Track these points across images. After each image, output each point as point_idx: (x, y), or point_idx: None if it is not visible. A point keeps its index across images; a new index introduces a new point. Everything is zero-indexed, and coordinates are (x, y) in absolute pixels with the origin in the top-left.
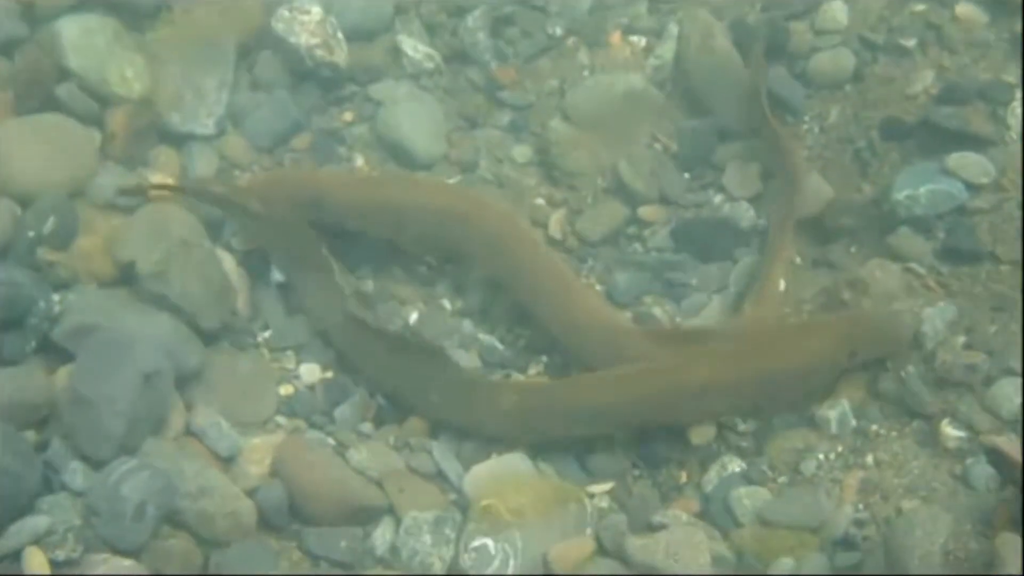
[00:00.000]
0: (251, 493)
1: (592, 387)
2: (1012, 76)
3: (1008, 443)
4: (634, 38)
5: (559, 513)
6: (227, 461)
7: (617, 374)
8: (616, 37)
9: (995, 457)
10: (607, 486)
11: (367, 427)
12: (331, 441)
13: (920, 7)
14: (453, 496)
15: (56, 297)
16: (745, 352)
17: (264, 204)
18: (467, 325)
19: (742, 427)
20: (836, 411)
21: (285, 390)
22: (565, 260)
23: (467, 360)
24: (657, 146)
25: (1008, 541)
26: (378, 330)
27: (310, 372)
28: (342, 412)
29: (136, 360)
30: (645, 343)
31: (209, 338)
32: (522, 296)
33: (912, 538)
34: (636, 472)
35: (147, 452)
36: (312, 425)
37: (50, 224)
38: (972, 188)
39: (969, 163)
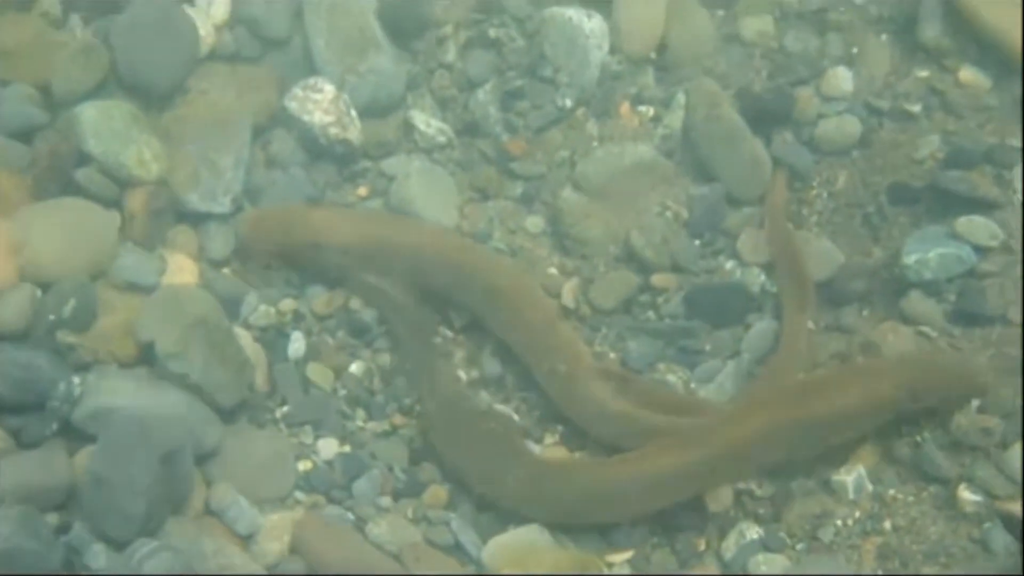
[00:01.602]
0: (271, 570)
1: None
2: (1016, 140)
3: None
4: (642, 108)
5: None
6: (246, 539)
7: (679, 441)
8: (625, 108)
9: (1010, 523)
10: (626, 555)
11: (385, 500)
12: (350, 516)
13: (924, 73)
14: (472, 568)
15: (76, 379)
16: (801, 396)
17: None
18: (483, 396)
19: (759, 492)
20: (853, 476)
21: (304, 465)
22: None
23: None
24: (668, 214)
25: None
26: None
27: (327, 447)
28: (360, 486)
29: (155, 440)
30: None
31: (228, 415)
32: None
33: None
34: (655, 540)
35: (168, 532)
36: (331, 500)
37: (70, 307)
38: (981, 251)
39: (977, 226)
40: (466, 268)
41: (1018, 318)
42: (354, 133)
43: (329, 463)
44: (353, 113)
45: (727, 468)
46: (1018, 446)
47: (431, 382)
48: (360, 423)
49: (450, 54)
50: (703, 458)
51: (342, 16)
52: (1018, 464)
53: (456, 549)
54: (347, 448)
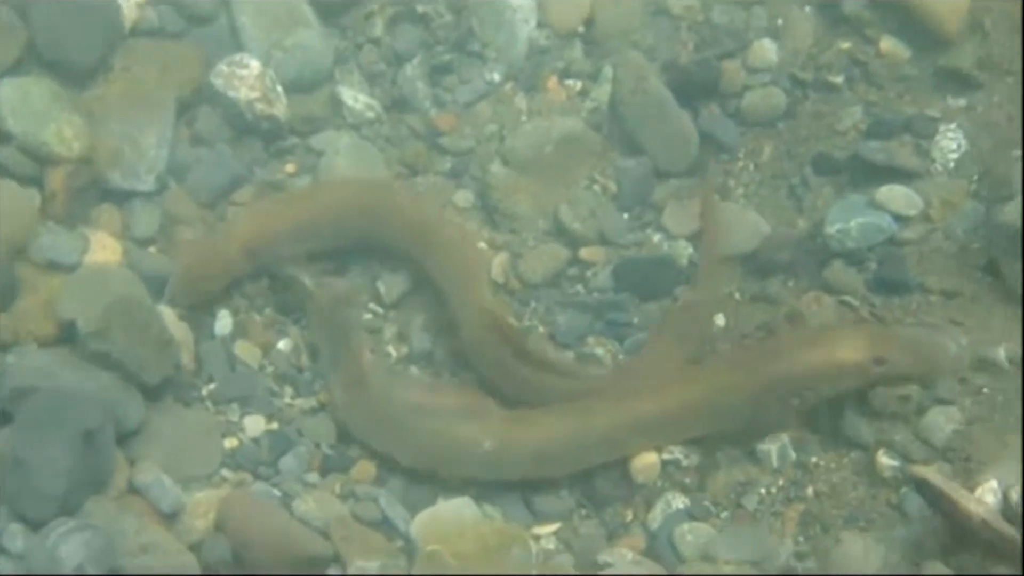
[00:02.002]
0: (195, 548)
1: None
2: (935, 110)
3: (934, 473)
4: (570, 82)
5: (504, 556)
6: (170, 517)
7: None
8: (552, 82)
9: (922, 487)
10: (553, 527)
11: (313, 476)
12: (277, 492)
13: (846, 44)
14: (400, 543)
15: None
16: (767, 354)
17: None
18: (413, 372)
19: (685, 462)
20: (776, 444)
21: (230, 443)
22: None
23: None
24: (596, 188)
25: (934, 570)
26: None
27: (254, 424)
28: (287, 463)
29: (75, 419)
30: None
31: (152, 394)
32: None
33: (845, 569)
34: (582, 512)
35: (88, 512)
36: (257, 477)
37: None
38: (900, 220)
39: (897, 196)
40: (393, 214)
41: (936, 286)
42: (280, 109)
43: (256, 440)
44: (279, 89)
45: (687, 424)
46: (934, 411)
47: (341, 370)
48: (288, 400)
49: (378, 29)
50: (661, 412)
51: None
52: (935, 428)
53: (384, 524)
54: (274, 425)
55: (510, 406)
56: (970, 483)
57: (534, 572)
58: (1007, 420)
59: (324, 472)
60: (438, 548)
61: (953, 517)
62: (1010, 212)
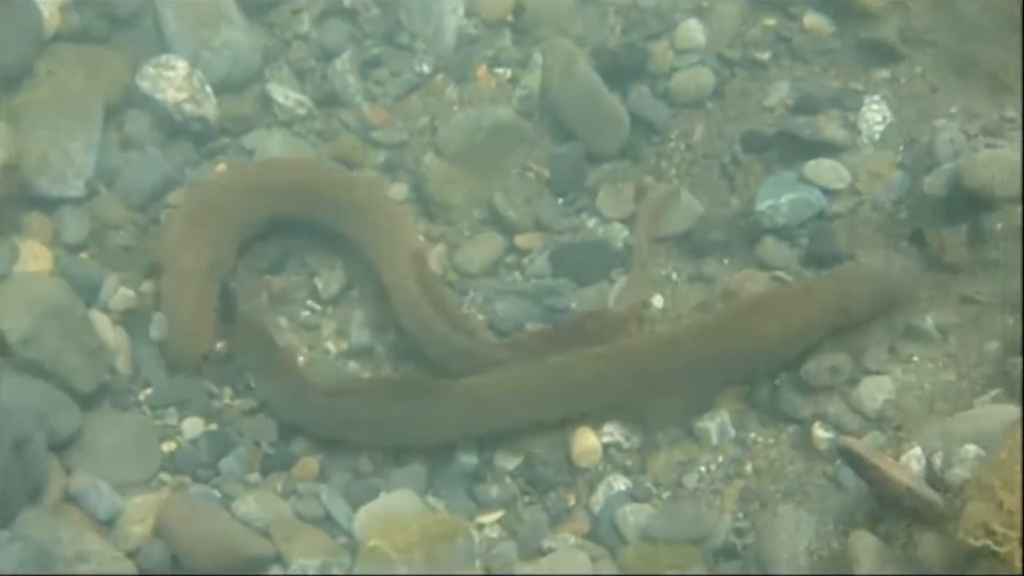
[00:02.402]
0: (133, 554)
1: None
2: (859, 83)
3: (859, 443)
4: (500, 70)
5: (447, 547)
6: (107, 524)
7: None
8: (482, 71)
9: (849, 457)
10: (497, 515)
11: (254, 476)
12: (217, 494)
13: (771, 21)
14: (343, 539)
15: None
16: (736, 318)
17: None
18: (352, 367)
19: (627, 445)
20: (716, 422)
21: (168, 447)
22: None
23: None
24: (530, 175)
25: (861, 538)
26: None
27: (193, 426)
28: (227, 464)
29: (5, 429)
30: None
31: (88, 401)
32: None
33: (779, 541)
34: (526, 499)
35: (22, 523)
36: (197, 479)
37: None
38: (829, 194)
39: (825, 170)
40: (323, 189)
41: (865, 258)
42: (210, 109)
43: (194, 443)
44: (208, 89)
45: (666, 380)
46: (866, 382)
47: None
48: (227, 401)
49: (305, 25)
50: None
51: None
52: (867, 399)
53: (327, 521)
54: (213, 426)
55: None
56: (901, 451)
57: (477, 561)
58: (936, 387)
59: (265, 471)
60: (379, 543)
61: (880, 485)
62: (932, 182)
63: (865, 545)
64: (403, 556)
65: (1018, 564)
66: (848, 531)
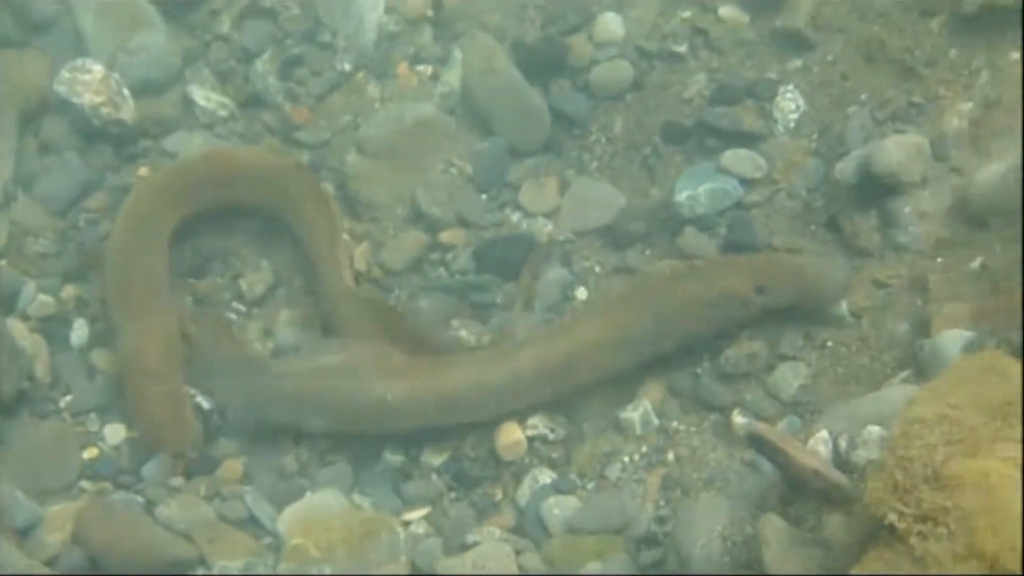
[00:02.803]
0: (51, 562)
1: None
2: (774, 72)
3: (766, 428)
4: (421, 67)
5: (371, 544)
6: (24, 532)
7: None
8: (403, 68)
9: (758, 442)
10: (423, 511)
11: (177, 481)
12: (139, 499)
13: (687, 13)
14: (268, 540)
15: None
16: (649, 289)
17: None
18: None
19: (552, 437)
20: (639, 412)
21: (89, 453)
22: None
23: None
24: (452, 171)
25: (769, 522)
26: None
27: (115, 432)
28: (149, 469)
29: None
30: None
31: (5, 409)
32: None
33: (694, 528)
34: (452, 494)
35: None
36: (118, 486)
37: None
38: (746, 183)
39: (742, 159)
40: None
41: (783, 245)
42: (128, 112)
43: (116, 448)
44: (126, 92)
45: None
46: (782, 367)
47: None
48: None
49: (225, 26)
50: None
51: None
52: (783, 384)
53: (251, 522)
54: (136, 432)
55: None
56: (810, 435)
57: (403, 557)
58: (849, 371)
59: (189, 475)
60: (302, 541)
61: (789, 469)
62: (843, 169)
63: (773, 528)
64: (326, 554)
65: (914, 540)
66: (760, 515)
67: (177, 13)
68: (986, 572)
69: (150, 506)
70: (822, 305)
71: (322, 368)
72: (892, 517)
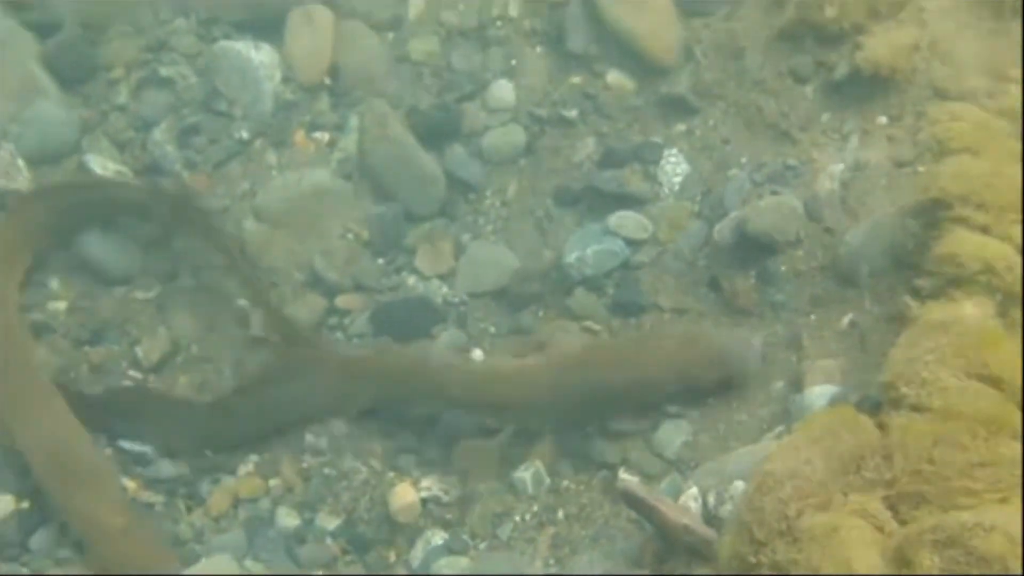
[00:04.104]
0: None
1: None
2: (660, 136)
3: (637, 485)
4: (317, 134)
5: None
6: None
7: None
8: (300, 136)
9: (630, 499)
10: None
11: (65, 552)
12: (25, 571)
13: (577, 79)
14: None
15: None
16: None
17: None
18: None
19: (446, 498)
20: (531, 472)
21: None
22: None
23: (174, 469)
24: (349, 236)
25: None
26: None
27: (4, 505)
28: (37, 540)
29: None
30: None
31: None
32: None
33: None
34: (347, 558)
35: None
36: (6, 559)
37: None
38: (633, 244)
39: (628, 221)
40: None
41: (668, 304)
42: (22, 182)
43: (4, 521)
44: (20, 162)
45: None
46: (666, 426)
47: None
48: None
49: (123, 96)
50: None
51: (1, 65)
52: (666, 443)
53: None
54: (25, 504)
55: None
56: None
57: None
58: (729, 427)
59: (78, 546)
60: None
61: (661, 526)
62: (722, 230)
63: None
64: None
65: None
66: (635, 572)
67: (73, 82)
68: None
69: None
70: (742, 380)
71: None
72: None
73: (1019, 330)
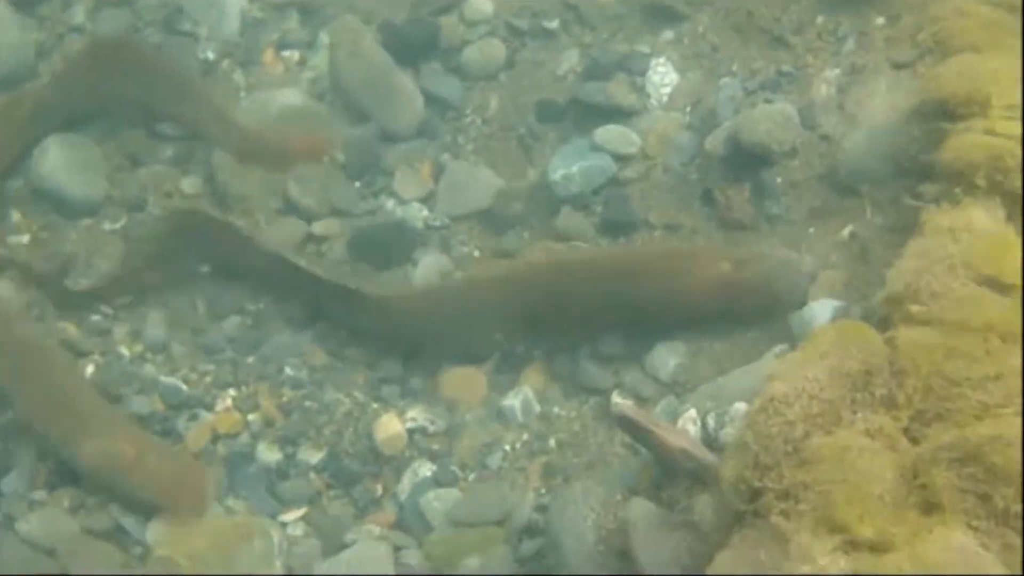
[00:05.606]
0: None
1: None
2: (646, 46)
3: (633, 408)
4: (287, 53)
5: (244, 550)
6: None
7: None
8: (269, 55)
9: (625, 424)
10: (300, 512)
11: (40, 494)
12: None
13: None
14: (138, 551)
15: None
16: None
17: None
18: (148, 369)
19: (432, 429)
20: (520, 399)
21: None
22: None
23: (148, 405)
24: (324, 159)
25: (637, 505)
26: None
27: None
28: (8, 483)
29: None
30: None
31: None
32: None
33: (567, 516)
34: (331, 493)
35: None
36: None
37: None
38: (621, 159)
39: (615, 135)
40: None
41: (659, 221)
42: None
43: None
44: None
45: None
46: (658, 347)
47: None
48: (10, 416)
49: (79, 16)
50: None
51: None
52: (660, 365)
53: (119, 532)
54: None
55: None
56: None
57: (278, 561)
58: (725, 347)
59: (51, 487)
60: (168, 551)
61: (658, 450)
62: (714, 141)
63: (640, 511)
64: (193, 563)
65: (776, 518)
66: (629, 497)
67: (28, 5)
68: (840, 544)
69: (9, 522)
70: (791, 299)
71: None
72: (754, 495)
73: None
